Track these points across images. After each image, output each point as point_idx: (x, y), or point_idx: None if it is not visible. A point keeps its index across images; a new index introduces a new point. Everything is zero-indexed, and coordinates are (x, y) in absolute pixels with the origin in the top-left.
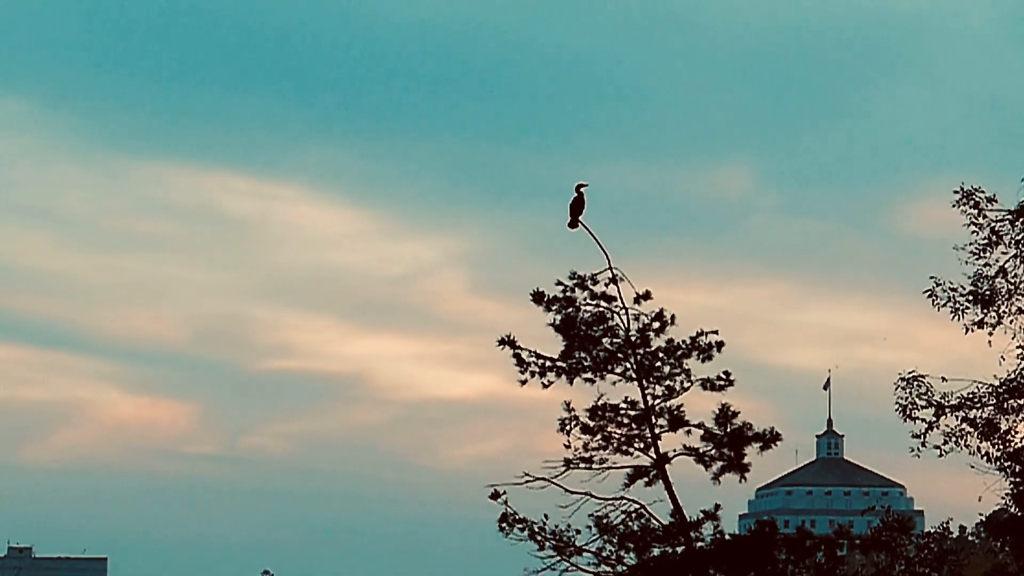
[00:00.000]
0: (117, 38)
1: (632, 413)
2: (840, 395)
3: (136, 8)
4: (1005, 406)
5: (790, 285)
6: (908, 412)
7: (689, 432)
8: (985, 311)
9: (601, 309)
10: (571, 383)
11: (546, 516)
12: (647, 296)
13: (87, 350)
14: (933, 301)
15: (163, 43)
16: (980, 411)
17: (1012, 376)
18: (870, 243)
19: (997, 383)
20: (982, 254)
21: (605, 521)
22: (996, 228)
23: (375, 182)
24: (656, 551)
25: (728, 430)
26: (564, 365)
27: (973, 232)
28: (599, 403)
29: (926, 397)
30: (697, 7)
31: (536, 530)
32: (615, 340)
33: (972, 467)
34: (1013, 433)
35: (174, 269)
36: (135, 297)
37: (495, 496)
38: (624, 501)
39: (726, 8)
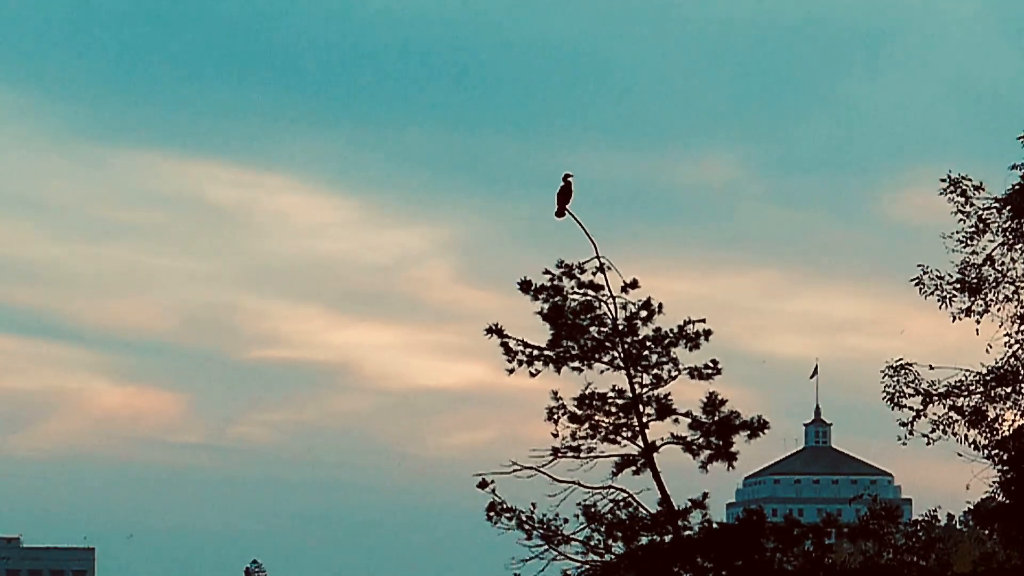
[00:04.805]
0: (102, 28)
1: (620, 402)
2: (828, 383)
3: None
4: (992, 394)
5: (777, 273)
6: (896, 400)
7: (677, 421)
8: (972, 299)
9: (588, 298)
10: (559, 372)
11: (534, 505)
12: (634, 285)
13: (74, 340)
14: (920, 289)
15: (148, 33)
16: (968, 399)
17: (999, 364)
18: (857, 231)
19: (984, 371)
20: (969, 242)
21: (593, 510)
22: (983, 216)
23: (361, 171)
24: (644, 540)
25: (716, 419)
26: (552, 354)
27: (960, 220)
28: (587, 392)
29: (914, 385)
30: None
31: (524, 519)
32: (602, 329)
33: (960, 455)
34: (1000, 421)
35: (160, 258)
36: (121, 286)
37: (483, 485)
38: (612, 490)
39: None
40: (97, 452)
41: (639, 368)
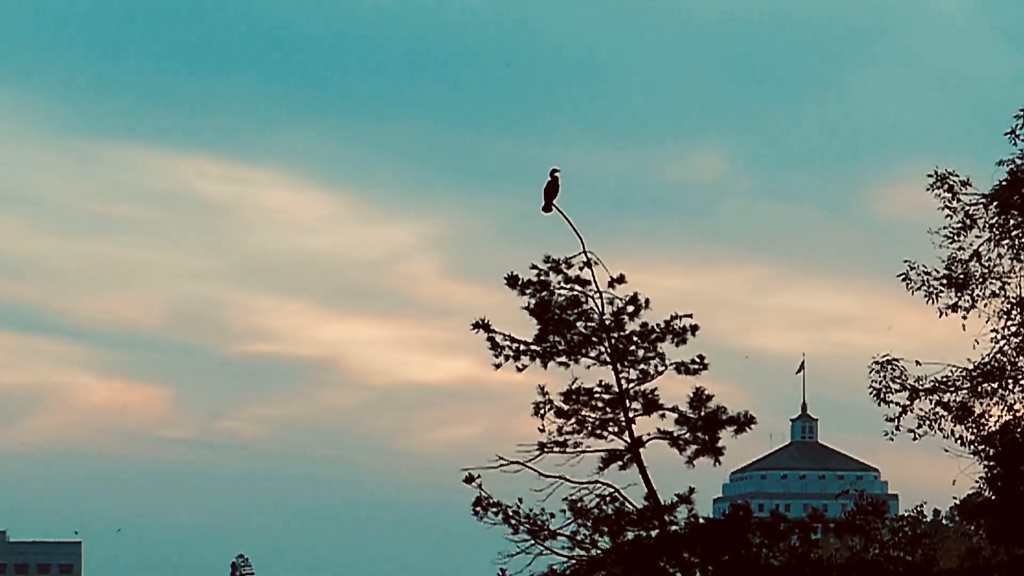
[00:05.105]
0: (92, 23)
1: (606, 397)
2: (814, 379)
3: None
4: (979, 390)
5: (764, 269)
6: (882, 396)
7: (663, 416)
8: (959, 295)
9: (575, 293)
10: (545, 367)
11: (520, 500)
12: (621, 280)
13: (61, 334)
14: (907, 285)
15: (138, 28)
16: (954, 395)
17: (986, 360)
18: (844, 227)
19: (971, 367)
20: (956, 238)
21: (579, 505)
22: (970, 212)
23: (349, 166)
24: (630, 535)
25: (702, 414)
26: (538, 349)
27: (947, 216)
28: (573, 387)
29: (900, 381)
30: None
31: (510, 514)
32: (589, 324)
33: (946, 451)
34: (987, 417)
35: (149, 253)
36: (109, 281)
37: (469, 480)
38: (598, 485)
39: None
40: (84, 446)
41: (626, 363)
